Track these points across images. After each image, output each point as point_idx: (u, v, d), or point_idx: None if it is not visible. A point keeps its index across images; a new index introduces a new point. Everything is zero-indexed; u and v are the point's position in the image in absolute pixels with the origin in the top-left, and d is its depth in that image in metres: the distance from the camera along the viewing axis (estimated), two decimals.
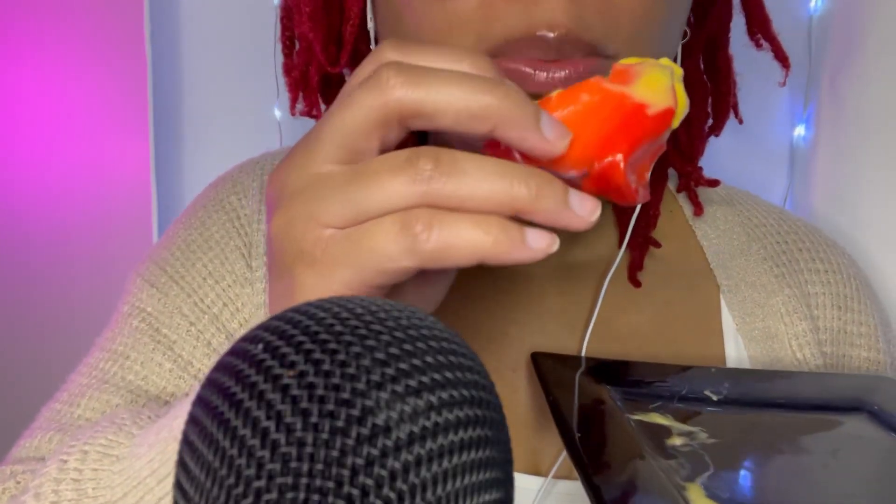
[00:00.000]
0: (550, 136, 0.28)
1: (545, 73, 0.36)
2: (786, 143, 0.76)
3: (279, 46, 0.51)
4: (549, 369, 0.42)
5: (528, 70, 0.36)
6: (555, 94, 0.30)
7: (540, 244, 0.29)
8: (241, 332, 0.46)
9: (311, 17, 0.45)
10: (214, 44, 0.81)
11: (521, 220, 0.29)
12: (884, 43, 0.62)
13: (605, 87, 0.29)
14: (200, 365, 0.46)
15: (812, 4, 0.71)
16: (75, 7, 0.80)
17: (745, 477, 0.35)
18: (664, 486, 0.32)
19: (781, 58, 0.51)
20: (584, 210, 0.29)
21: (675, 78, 0.31)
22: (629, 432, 0.37)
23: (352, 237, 0.28)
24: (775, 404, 0.42)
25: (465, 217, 0.28)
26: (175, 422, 0.33)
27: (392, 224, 0.28)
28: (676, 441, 0.37)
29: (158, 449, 0.33)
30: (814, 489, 0.34)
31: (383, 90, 0.27)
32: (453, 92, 0.27)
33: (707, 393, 0.42)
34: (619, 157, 0.29)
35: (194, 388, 0.35)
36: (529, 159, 0.29)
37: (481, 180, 0.27)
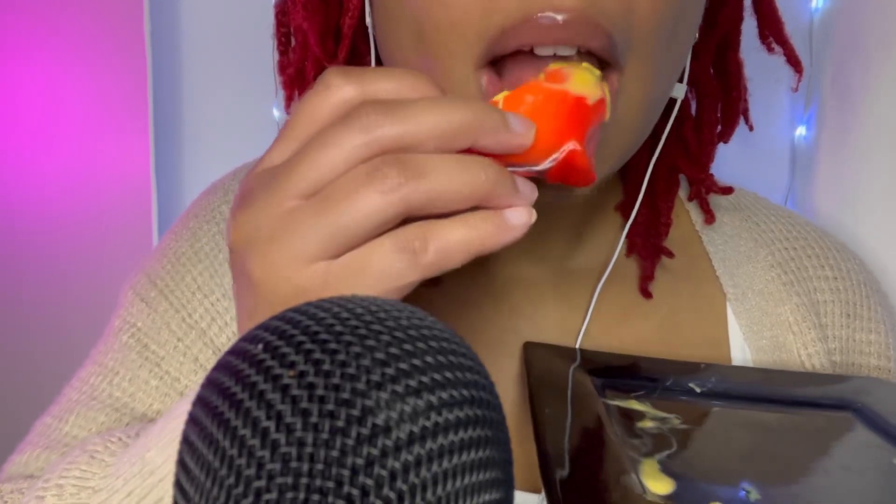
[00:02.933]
0: (520, 131, 0.30)
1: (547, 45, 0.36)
2: (787, 144, 0.76)
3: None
4: (537, 358, 0.42)
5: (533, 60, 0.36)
6: (500, 97, 0.33)
7: (521, 220, 0.30)
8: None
9: (306, 7, 0.44)
10: (214, 44, 0.81)
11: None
12: (885, 43, 0.62)
13: (545, 86, 0.33)
14: (187, 381, 0.45)
15: (813, 4, 0.71)
16: (75, 7, 0.80)
17: (704, 457, 0.35)
18: (617, 459, 0.32)
19: (794, 62, 0.49)
20: (527, 193, 0.31)
21: (598, 77, 0.35)
22: (599, 413, 0.37)
23: (352, 266, 0.28)
24: (759, 399, 0.42)
25: (452, 221, 0.29)
26: (148, 454, 0.33)
27: (390, 246, 0.28)
28: (648, 424, 0.37)
29: (136, 483, 0.33)
30: (777, 474, 0.34)
31: (368, 128, 0.28)
32: (433, 120, 0.28)
33: (691, 385, 0.42)
34: (575, 143, 0.32)
35: (163, 416, 0.34)
36: (499, 156, 0.31)
37: (448, 178, 0.28)
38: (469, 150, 0.30)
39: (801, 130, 0.74)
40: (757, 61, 0.50)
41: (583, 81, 0.33)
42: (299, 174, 0.28)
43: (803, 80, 0.50)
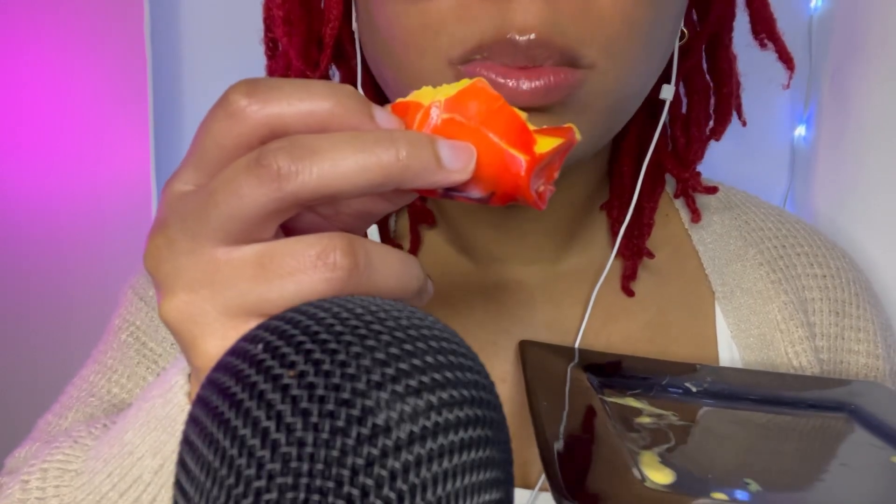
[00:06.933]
0: (456, 167, 0.26)
1: (514, 82, 0.34)
2: (786, 144, 0.76)
3: None
4: (533, 355, 0.42)
5: (501, 80, 0.34)
6: (441, 97, 0.28)
7: (456, 164, 0.26)
8: None
9: (286, 20, 0.44)
10: (214, 44, 0.81)
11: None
12: (884, 42, 0.62)
13: (492, 93, 0.28)
14: None
15: (812, 4, 0.71)
16: (75, 7, 0.80)
17: (702, 452, 0.35)
18: (617, 450, 0.32)
19: (786, 59, 0.49)
20: (459, 163, 0.26)
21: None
22: (597, 409, 0.37)
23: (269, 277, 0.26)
24: (754, 399, 0.42)
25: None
26: (125, 435, 0.33)
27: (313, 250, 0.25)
28: (645, 420, 0.37)
29: (116, 463, 0.33)
30: (775, 469, 0.34)
31: (277, 182, 0.24)
32: (352, 167, 0.25)
33: (687, 384, 0.42)
34: (523, 165, 0.27)
35: (137, 398, 0.34)
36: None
37: (341, 159, 0.24)
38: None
39: (800, 130, 0.74)
40: (756, 60, 0.50)
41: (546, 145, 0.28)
42: (215, 223, 0.25)
43: (803, 79, 0.50)
